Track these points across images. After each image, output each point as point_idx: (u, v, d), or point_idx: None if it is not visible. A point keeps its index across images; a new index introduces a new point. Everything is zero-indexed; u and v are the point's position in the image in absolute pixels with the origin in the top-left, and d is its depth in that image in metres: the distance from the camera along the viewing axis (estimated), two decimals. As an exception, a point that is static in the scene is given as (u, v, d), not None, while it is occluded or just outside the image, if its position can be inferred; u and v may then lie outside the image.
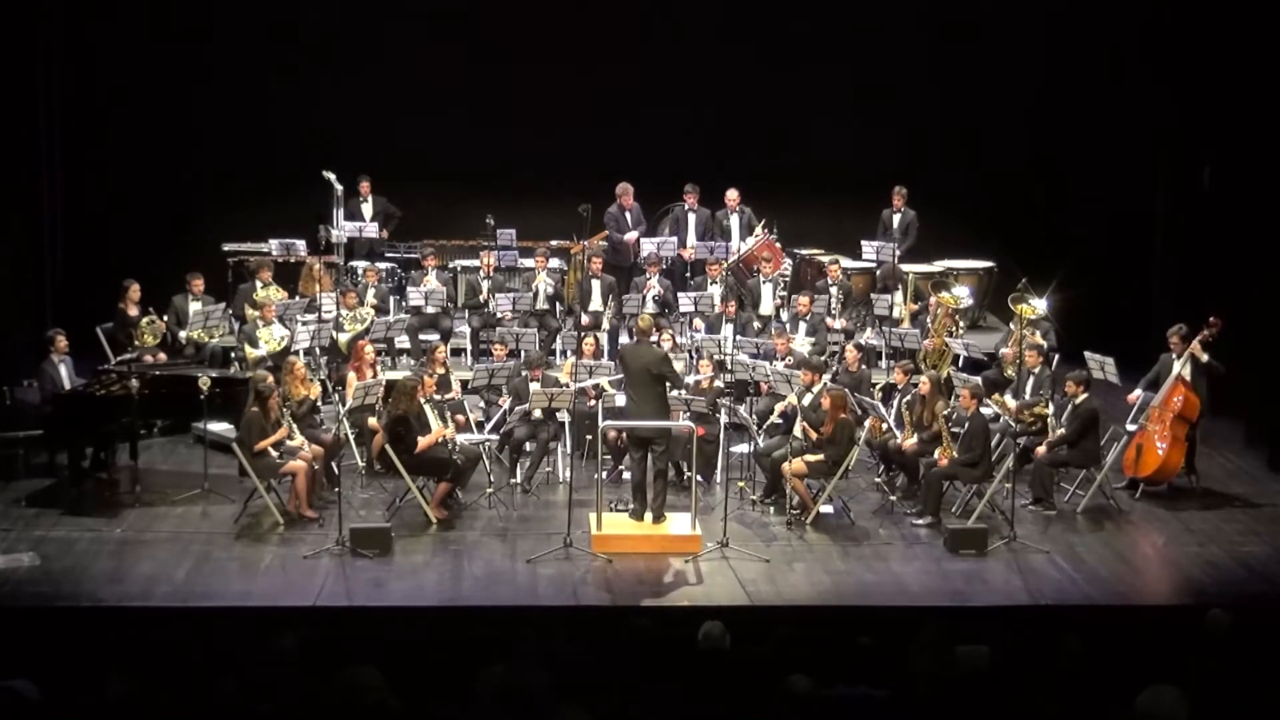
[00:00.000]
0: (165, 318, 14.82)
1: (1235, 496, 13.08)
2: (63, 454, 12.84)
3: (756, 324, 15.40)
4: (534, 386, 13.12)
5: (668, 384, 11.93)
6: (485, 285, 15.72)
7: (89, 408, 12.72)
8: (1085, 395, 12.57)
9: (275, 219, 16.33)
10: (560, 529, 11.62)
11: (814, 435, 12.33)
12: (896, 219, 16.57)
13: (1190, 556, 11.76)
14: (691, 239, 16.46)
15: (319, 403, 13.38)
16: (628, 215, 16.45)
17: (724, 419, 12.92)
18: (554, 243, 16.47)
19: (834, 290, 15.71)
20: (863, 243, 16.43)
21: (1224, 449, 14.16)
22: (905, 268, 16.26)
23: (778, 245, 16.38)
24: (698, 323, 15.21)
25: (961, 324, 15.26)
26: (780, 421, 13.19)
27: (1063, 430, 12.50)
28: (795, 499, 12.25)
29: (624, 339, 14.48)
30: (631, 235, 16.23)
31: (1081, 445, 12.50)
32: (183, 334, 14.94)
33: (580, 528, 11.69)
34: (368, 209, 16.71)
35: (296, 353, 14.29)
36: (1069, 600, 10.80)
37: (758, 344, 14.58)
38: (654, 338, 12.41)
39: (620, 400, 12.46)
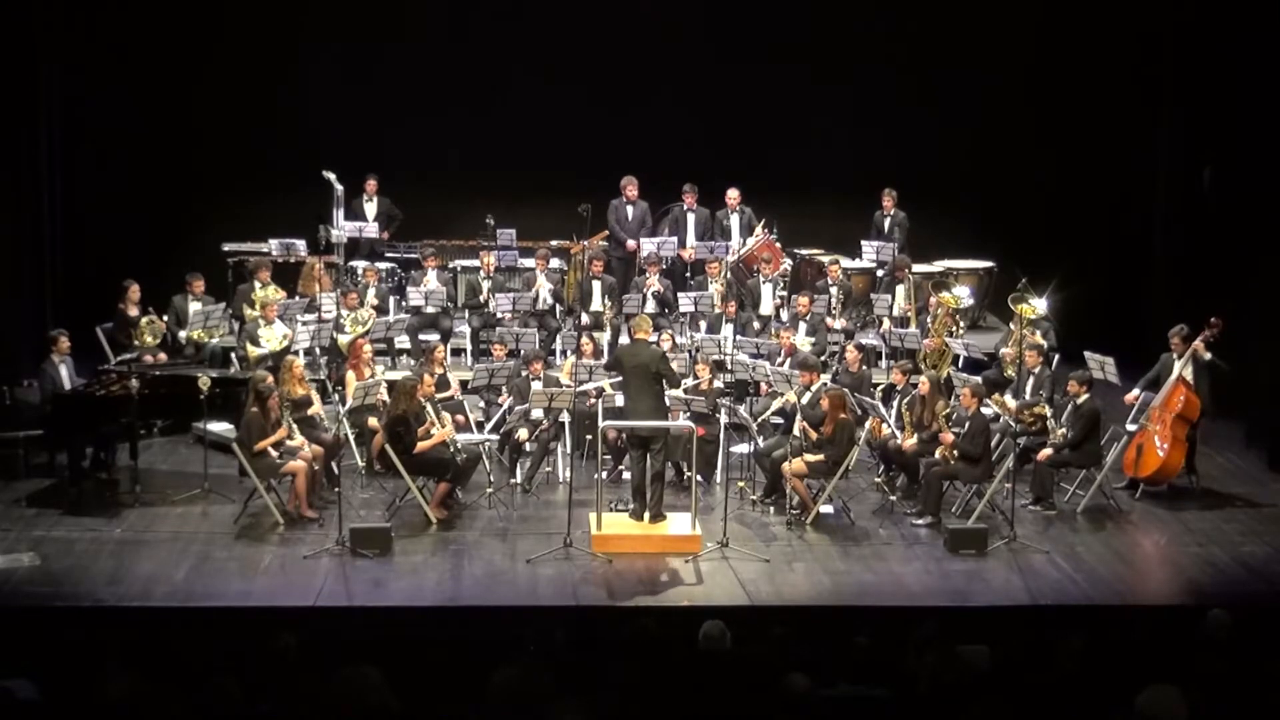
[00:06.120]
0: (165, 318, 14.81)
1: (1235, 496, 13.07)
2: (63, 454, 12.84)
3: (756, 324, 15.39)
4: (535, 385, 13.12)
5: (665, 383, 11.93)
6: (485, 285, 15.71)
7: (89, 408, 12.72)
8: (1087, 395, 12.57)
9: (275, 219, 16.30)
10: (560, 529, 11.61)
11: (813, 435, 12.33)
12: (887, 221, 16.60)
13: (1190, 556, 11.75)
14: (691, 239, 16.45)
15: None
16: (629, 209, 16.41)
17: (724, 419, 12.92)
18: (554, 243, 16.44)
19: (834, 290, 15.70)
20: (863, 243, 16.48)
21: (1224, 449, 14.15)
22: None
23: (778, 245, 16.36)
24: (699, 323, 15.20)
25: (961, 324, 15.25)
26: (780, 421, 13.18)
27: (1063, 431, 12.50)
28: (795, 499, 12.24)
29: (624, 339, 14.46)
30: (632, 244, 16.18)
31: (1083, 445, 12.50)
32: (183, 334, 14.92)
33: (580, 528, 11.68)
34: (371, 208, 16.68)
35: (296, 353, 14.28)
36: (1069, 600, 10.79)
37: (758, 344, 14.57)
38: (652, 337, 12.40)
39: (620, 400, 12.45)
